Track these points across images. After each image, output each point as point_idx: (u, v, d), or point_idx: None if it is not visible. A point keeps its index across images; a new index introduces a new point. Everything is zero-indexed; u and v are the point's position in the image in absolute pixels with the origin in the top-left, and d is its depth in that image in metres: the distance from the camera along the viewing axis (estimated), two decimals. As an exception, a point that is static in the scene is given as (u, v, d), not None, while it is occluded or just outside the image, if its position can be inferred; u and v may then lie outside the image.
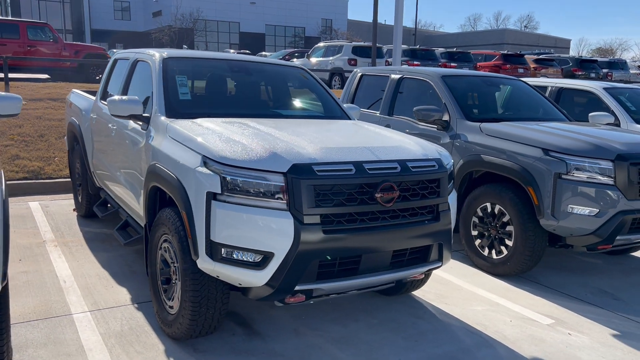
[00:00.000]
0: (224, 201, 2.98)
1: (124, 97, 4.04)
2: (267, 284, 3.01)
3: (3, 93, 3.71)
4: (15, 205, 6.70)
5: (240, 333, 3.66)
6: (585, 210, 4.52)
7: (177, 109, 4.02)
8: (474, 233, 5.23)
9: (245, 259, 2.99)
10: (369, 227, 3.16)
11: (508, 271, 4.93)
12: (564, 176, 4.55)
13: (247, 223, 2.95)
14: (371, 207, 3.15)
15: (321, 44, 21.46)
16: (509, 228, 4.89)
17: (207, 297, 3.21)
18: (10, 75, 16.38)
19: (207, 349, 3.42)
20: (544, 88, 7.99)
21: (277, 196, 2.96)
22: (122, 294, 4.19)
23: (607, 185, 4.51)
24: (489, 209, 5.07)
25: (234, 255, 3.01)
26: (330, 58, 19.80)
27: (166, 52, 4.50)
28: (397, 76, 6.56)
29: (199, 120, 3.77)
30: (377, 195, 3.13)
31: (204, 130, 3.48)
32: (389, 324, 3.92)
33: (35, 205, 6.74)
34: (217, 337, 3.57)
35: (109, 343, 3.43)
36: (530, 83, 7.14)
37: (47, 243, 5.32)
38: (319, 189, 3.00)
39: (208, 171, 3.03)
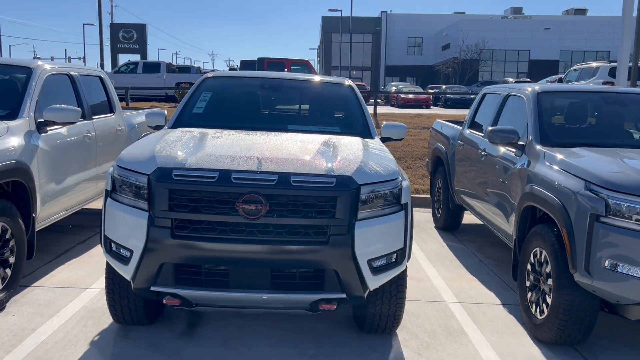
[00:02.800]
0: (112, 199, 3.28)
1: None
2: (130, 279, 3.18)
3: (60, 105, 4.72)
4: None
5: (179, 331, 3.83)
6: (632, 270, 3.24)
7: (184, 120, 4.47)
8: (527, 284, 4.20)
9: (121, 253, 3.22)
10: (230, 239, 3.02)
11: (545, 336, 3.82)
12: (603, 219, 3.36)
13: (121, 220, 3.19)
14: (233, 219, 3.01)
15: (576, 67, 19.09)
16: (551, 281, 3.80)
17: (118, 287, 3.52)
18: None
19: (135, 337, 3.71)
20: None
21: (142, 197, 3.12)
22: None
23: (664, 238, 3.16)
24: (538, 255, 4.03)
25: (120, 250, 3.26)
26: (585, 81, 17.47)
27: (211, 73, 5.01)
28: (505, 93, 5.68)
29: (178, 130, 4.14)
30: (239, 206, 2.98)
31: (158, 137, 3.82)
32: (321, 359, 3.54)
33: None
34: (156, 329, 3.83)
35: (76, 315, 4.03)
36: None
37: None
38: (175, 194, 3.04)
39: (111, 171, 3.38)
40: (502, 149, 5.03)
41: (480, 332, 4.08)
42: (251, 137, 3.82)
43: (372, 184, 3.22)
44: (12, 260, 4.16)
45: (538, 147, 4.44)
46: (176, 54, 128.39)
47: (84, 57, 78.60)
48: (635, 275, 3.23)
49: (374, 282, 3.26)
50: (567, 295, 3.60)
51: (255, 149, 3.41)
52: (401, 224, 3.36)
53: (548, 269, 3.84)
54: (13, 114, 4.45)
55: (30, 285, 4.55)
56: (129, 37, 50.98)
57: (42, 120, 4.63)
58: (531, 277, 4.14)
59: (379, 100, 40.23)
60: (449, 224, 6.99)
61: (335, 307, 3.28)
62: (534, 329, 3.98)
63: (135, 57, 48.40)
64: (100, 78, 6.34)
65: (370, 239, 3.18)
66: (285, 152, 3.38)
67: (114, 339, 3.69)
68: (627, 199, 3.29)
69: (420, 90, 37.98)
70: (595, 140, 4.55)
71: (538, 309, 3.97)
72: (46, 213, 4.72)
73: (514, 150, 4.78)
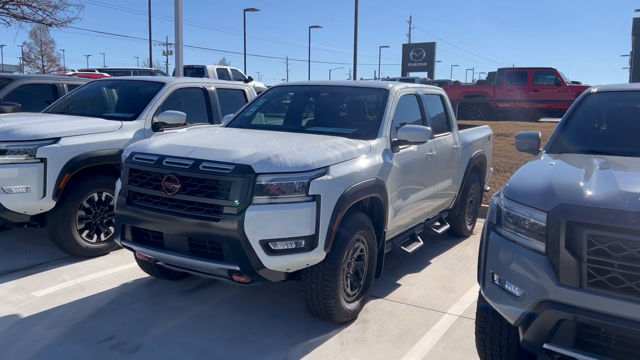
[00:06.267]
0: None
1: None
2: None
3: (171, 111, 6.18)
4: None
5: (185, 289, 4.77)
6: (512, 288, 2.86)
7: (235, 122, 5.41)
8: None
9: (118, 216, 4.33)
10: (159, 209, 3.83)
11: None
12: (496, 228, 3.01)
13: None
14: (160, 193, 3.82)
15: None
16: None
17: (136, 244, 4.66)
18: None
19: (152, 286, 4.80)
20: None
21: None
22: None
23: (536, 253, 2.70)
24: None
25: (123, 213, 4.39)
26: None
27: (280, 83, 5.83)
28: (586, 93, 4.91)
29: (223, 127, 5.16)
30: (163, 184, 3.78)
31: (199, 131, 4.88)
32: (253, 330, 4.03)
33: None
34: (172, 284, 4.85)
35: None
36: None
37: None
38: (132, 172, 4.00)
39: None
40: (544, 157, 4.49)
41: (435, 343, 3.90)
42: (238, 133, 4.54)
43: (272, 173, 3.60)
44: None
45: (543, 153, 3.93)
46: (472, 69, 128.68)
47: (381, 76, 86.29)
48: (512, 292, 2.82)
49: (271, 262, 3.62)
50: (480, 312, 3.27)
51: (208, 141, 4.13)
52: (308, 213, 3.63)
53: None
54: (135, 117, 6.09)
55: (138, 244, 6.11)
56: (418, 55, 53.87)
57: (157, 121, 6.16)
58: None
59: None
60: None
61: (247, 280, 3.76)
62: (484, 350, 3.62)
63: (423, 75, 51.02)
64: (204, 90, 7.66)
65: (265, 222, 3.57)
66: (226, 144, 4.01)
67: (139, 284, 4.85)
68: (514, 205, 2.89)
69: None
70: (620, 148, 3.75)
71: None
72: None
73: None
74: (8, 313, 4.16)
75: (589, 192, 2.65)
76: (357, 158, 4.16)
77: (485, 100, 19.29)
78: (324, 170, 3.76)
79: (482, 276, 3.08)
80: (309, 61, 56.96)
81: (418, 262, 5.78)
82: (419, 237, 5.42)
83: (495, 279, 2.96)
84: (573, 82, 20.40)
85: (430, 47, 54.76)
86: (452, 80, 31.66)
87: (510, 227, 2.90)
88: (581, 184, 2.75)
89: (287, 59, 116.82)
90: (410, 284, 5.10)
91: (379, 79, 48.12)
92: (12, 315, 4.12)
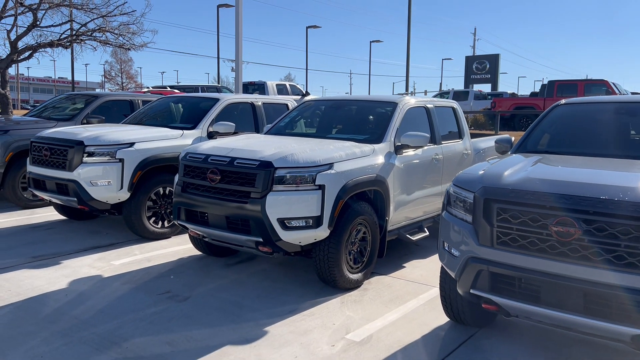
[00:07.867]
0: (179, 171, 5.71)
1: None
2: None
3: (222, 122, 7.46)
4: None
5: (228, 263, 5.95)
6: (454, 251, 3.81)
7: (271, 130, 6.60)
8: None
9: (176, 202, 5.59)
10: (205, 195, 5.04)
11: (445, 313, 4.42)
12: (448, 208, 3.98)
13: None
14: (205, 183, 5.03)
15: None
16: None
17: (190, 226, 5.91)
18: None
19: (204, 259, 6.02)
20: None
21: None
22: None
23: (467, 223, 3.65)
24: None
25: (180, 201, 5.66)
26: None
27: (314, 97, 6.96)
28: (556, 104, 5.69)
29: (261, 135, 6.34)
30: (207, 175, 4.98)
31: (240, 137, 6.09)
32: (269, 290, 5.13)
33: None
34: (220, 259, 6.05)
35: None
36: None
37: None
38: (186, 168, 5.24)
39: (185, 156, 5.80)
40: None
41: (418, 305, 4.84)
42: (268, 138, 5.69)
43: (287, 167, 4.72)
44: (176, 211, 7.05)
45: (508, 153, 4.81)
46: (540, 80, 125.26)
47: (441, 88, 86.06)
48: (455, 254, 3.77)
49: (287, 236, 4.72)
50: (441, 274, 4.22)
51: (243, 145, 5.30)
52: (314, 198, 4.71)
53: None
54: (193, 127, 7.42)
55: (195, 231, 7.38)
56: (481, 67, 53.52)
57: (212, 131, 7.45)
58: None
59: None
60: None
61: (269, 250, 4.88)
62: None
63: (487, 87, 50.71)
64: (252, 105, 8.84)
65: (281, 205, 4.67)
66: (256, 146, 5.16)
67: (192, 259, 6.08)
68: (457, 190, 3.84)
69: None
70: (569, 149, 4.59)
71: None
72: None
73: (511, 159, 5.13)
74: (94, 274, 5.49)
75: (504, 178, 3.57)
76: (359, 157, 5.20)
77: (535, 112, 19.61)
78: (329, 166, 4.83)
79: (438, 245, 4.04)
80: (369, 75, 57.92)
81: (428, 251, 6.69)
82: (425, 229, 6.35)
83: (445, 246, 3.92)
84: (633, 94, 20.31)
85: (494, 59, 54.24)
86: (509, 92, 31.82)
87: (455, 206, 3.85)
88: (504, 172, 3.67)
89: (351, 73, 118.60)
90: (414, 267, 6.04)
91: (442, 90, 48.42)
92: (97, 275, 5.45)
